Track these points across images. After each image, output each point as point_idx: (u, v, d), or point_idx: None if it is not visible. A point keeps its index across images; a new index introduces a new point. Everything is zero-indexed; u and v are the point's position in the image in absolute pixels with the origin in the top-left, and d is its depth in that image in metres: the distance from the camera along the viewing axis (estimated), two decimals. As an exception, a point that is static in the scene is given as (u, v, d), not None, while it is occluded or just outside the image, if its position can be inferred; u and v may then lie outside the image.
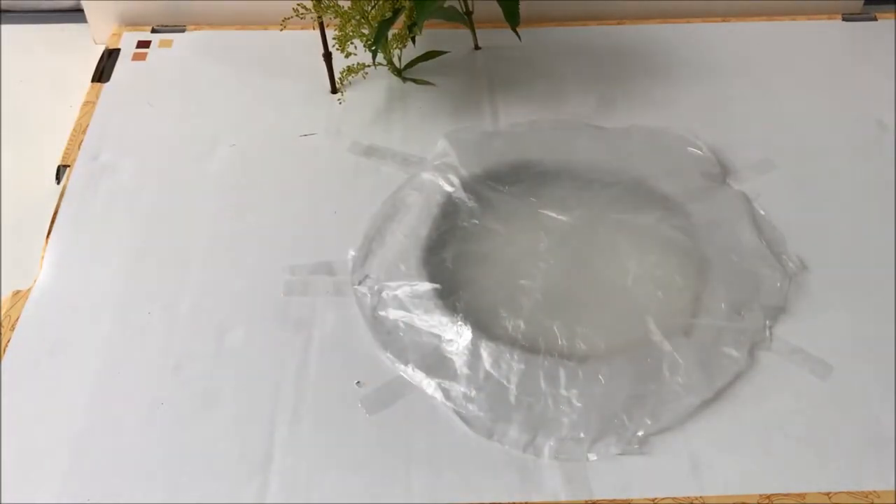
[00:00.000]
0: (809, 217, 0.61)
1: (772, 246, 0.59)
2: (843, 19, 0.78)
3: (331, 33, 0.68)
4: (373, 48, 0.65)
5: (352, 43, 0.67)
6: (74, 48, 0.78)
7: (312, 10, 0.66)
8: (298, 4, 0.65)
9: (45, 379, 0.53)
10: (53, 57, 0.78)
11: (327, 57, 0.70)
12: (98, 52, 0.75)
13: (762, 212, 0.61)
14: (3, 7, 0.81)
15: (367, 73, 0.69)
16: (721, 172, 0.64)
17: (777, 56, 0.75)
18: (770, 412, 0.51)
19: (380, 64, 0.69)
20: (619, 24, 0.77)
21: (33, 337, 0.55)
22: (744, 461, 0.49)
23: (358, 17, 0.66)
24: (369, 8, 0.66)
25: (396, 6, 0.66)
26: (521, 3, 0.66)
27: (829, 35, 0.77)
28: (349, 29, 0.66)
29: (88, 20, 0.78)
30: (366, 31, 0.67)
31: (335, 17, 0.66)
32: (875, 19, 0.78)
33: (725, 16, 0.78)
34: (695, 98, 0.70)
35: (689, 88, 0.71)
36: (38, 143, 0.69)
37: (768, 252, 0.58)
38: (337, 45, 0.67)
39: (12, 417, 0.51)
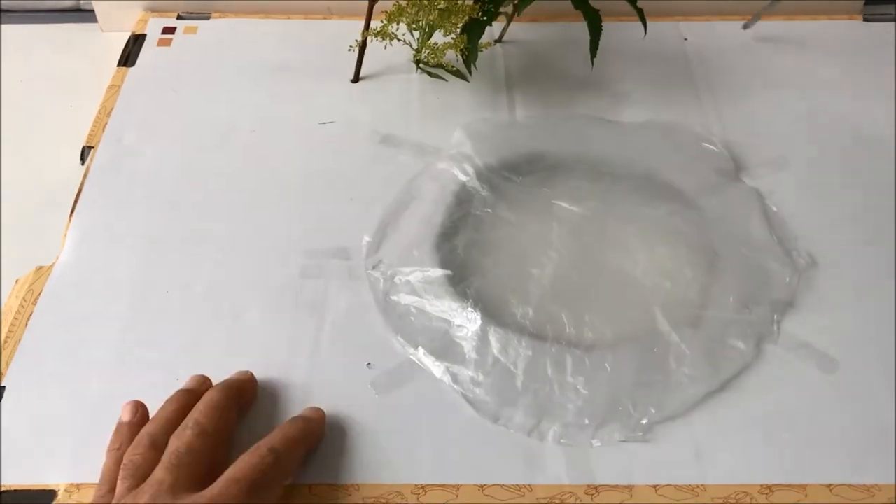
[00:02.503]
0: (822, 215, 0.62)
1: (782, 242, 0.59)
2: (864, 19, 0.78)
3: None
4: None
5: (396, 27, 0.65)
6: (74, 48, 0.78)
7: None
8: None
9: (64, 353, 0.54)
10: (53, 57, 0.78)
11: (363, 45, 0.70)
12: (98, 51, 0.76)
13: (775, 208, 0.62)
14: (3, 7, 0.81)
15: (391, 45, 0.67)
16: (734, 168, 0.64)
17: (795, 55, 0.75)
18: (774, 404, 0.51)
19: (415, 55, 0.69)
20: (636, 21, 0.77)
21: (54, 312, 0.56)
22: (747, 451, 0.49)
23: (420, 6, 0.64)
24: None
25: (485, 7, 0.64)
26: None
27: (848, 34, 0.77)
28: (406, 17, 0.64)
29: (96, 7, 0.78)
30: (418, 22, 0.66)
31: None
32: (896, 20, 0.78)
33: (744, 14, 0.79)
34: (712, 95, 0.71)
35: (706, 86, 0.72)
36: (37, 143, 0.70)
37: (778, 247, 0.59)
38: (379, 32, 0.65)
39: (29, 392, 0.52)
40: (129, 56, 0.75)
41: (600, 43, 0.67)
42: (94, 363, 0.54)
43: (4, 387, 0.53)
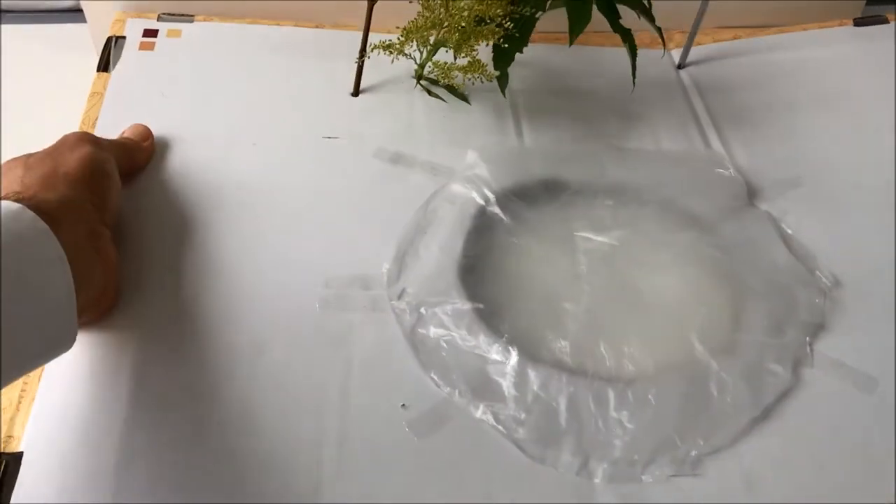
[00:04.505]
0: (839, 233, 0.62)
1: (804, 263, 0.59)
2: (855, 24, 0.79)
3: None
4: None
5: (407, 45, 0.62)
6: (74, 48, 0.76)
7: None
8: None
9: (87, 407, 0.50)
10: (53, 57, 0.77)
11: (362, 59, 0.67)
12: (98, 51, 0.72)
13: (789, 231, 0.62)
14: (3, 7, 0.80)
15: (397, 59, 0.65)
16: (748, 192, 0.64)
17: (790, 67, 0.75)
18: (819, 428, 0.52)
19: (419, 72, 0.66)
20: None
21: (70, 357, 0.52)
22: (799, 477, 0.49)
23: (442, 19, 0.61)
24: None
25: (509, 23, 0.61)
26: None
27: (841, 41, 0.77)
28: (423, 31, 0.61)
29: (88, 18, 0.74)
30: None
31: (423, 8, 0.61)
32: (887, 21, 0.78)
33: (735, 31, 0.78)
34: (715, 115, 0.70)
35: (703, 107, 0.71)
36: (37, 143, 0.66)
37: (802, 269, 0.59)
38: (389, 46, 0.62)
39: (51, 458, 0.48)
40: (108, 60, 0.69)
41: (605, 63, 0.65)
42: (115, 410, 0.50)
43: (22, 452, 0.48)
